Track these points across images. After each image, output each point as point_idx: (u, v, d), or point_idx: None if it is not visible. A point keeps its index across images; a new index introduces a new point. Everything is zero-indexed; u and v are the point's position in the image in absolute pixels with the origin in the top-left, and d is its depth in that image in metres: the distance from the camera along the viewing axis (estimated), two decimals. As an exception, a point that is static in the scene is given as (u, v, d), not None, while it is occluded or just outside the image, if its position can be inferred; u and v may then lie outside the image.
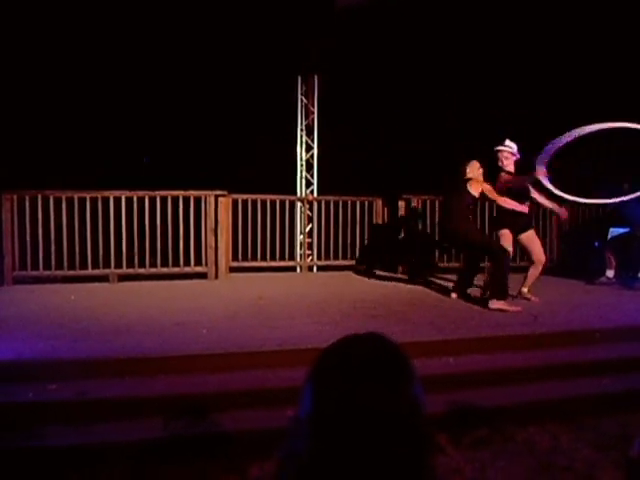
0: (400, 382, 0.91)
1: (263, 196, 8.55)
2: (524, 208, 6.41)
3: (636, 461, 1.26)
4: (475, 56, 11.08)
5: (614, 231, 7.78)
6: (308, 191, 9.90)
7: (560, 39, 10.32)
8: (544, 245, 9.27)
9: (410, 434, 0.89)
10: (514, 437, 3.66)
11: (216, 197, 7.92)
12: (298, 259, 9.10)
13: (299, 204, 9.27)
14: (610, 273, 7.66)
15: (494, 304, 5.94)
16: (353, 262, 8.88)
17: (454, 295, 6.72)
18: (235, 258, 8.44)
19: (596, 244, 8.16)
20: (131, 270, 7.68)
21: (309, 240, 9.20)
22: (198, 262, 7.91)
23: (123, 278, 7.68)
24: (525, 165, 6.45)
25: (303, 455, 0.89)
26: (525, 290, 6.70)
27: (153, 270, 7.78)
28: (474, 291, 6.77)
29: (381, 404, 0.87)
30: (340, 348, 0.94)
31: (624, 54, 9.42)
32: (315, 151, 9.92)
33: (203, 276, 7.91)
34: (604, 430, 3.79)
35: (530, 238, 6.66)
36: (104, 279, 7.61)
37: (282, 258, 8.71)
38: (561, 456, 3.44)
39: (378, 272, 8.80)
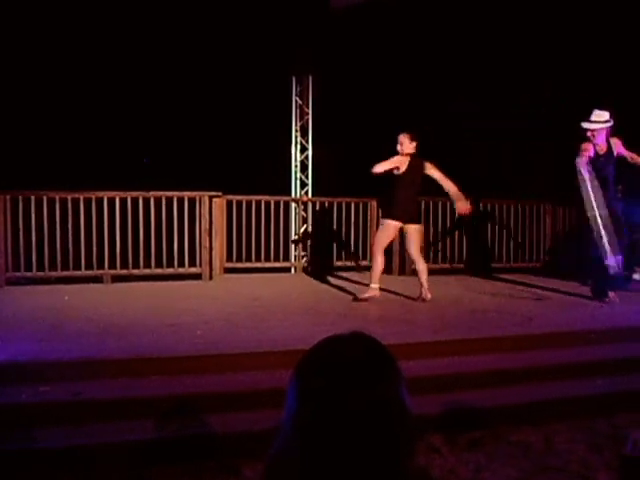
0: (382, 382, 0.90)
1: (257, 197, 8.54)
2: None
3: (630, 458, 1.27)
4: (470, 56, 11.07)
5: None
6: (303, 192, 9.90)
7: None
8: (537, 244, 9.36)
9: (390, 436, 0.88)
10: (509, 438, 3.66)
11: (210, 198, 7.90)
12: (293, 260, 9.09)
13: (294, 205, 9.26)
14: (637, 276, 7.66)
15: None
16: (348, 263, 8.87)
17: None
18: (229, 259, 8.41)
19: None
20: (125, 271, 7.65)
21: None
22: (192, 263, 7.89)
23: (117, 279, 7.65)
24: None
25: (288, 455, 0.89)
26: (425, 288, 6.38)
27: (147, 271, 7.75)
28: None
29: (360, 406, 0.87)
30: (323, 348, 0.94)
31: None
32: (310, 152, 9.91)
33: (197, 277, 7.89)
34: (598, 431, 3.80)
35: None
36: (98, 280, 7.57)
37: (277, 259, 8.69)
38: (555, 457, 3.45)
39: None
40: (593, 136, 6.30)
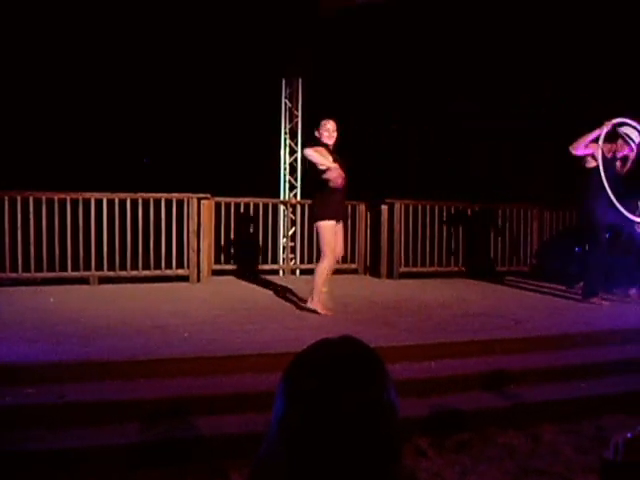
0: (372, 386, 0.90)
1: (246, 199, 8.53)
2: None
3: (611, 463, 1.27)
4: (470, 56, 11.09)
5: None
6: (291, 194, 9.90)
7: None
8: (525, 248, 9.40)
9: (380, 439, 0.89)
10: (495, 441, 3.68)
11: (199, 200, 7.88)
12: (281, 262, 9.08)
13: (282, 207, 9.25)
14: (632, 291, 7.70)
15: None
16: (336, 265, 8.85)
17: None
18: (217, 261, 8.39)
19: (576, 249, 8.23)
20: (112, 272, 7.60)
21: (292, 244, 9.18)
22: (180, 265, 7.85)
23: (103, 280, 7.60)
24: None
25: (274, 459, 0.89)
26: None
27: (134, 273, 7.70)
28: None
29: (352, 408, 0.87)
30: (313, 352, 0.94)
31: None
32: (299, 155, 9.91)
33: (185, 279, 7.85)
34: (583, 433, 3.83)
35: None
36: (84, 281, 7.52)
37: (265, 262, 8.68)
38: (541, 459, 3.47)
39: (362, 275, 8.82)
40: (621, 147, 6.52)
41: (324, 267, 5.69)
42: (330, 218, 5.66)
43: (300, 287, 7.89)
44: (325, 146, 5.69)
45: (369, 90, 11.98)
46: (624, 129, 6.55)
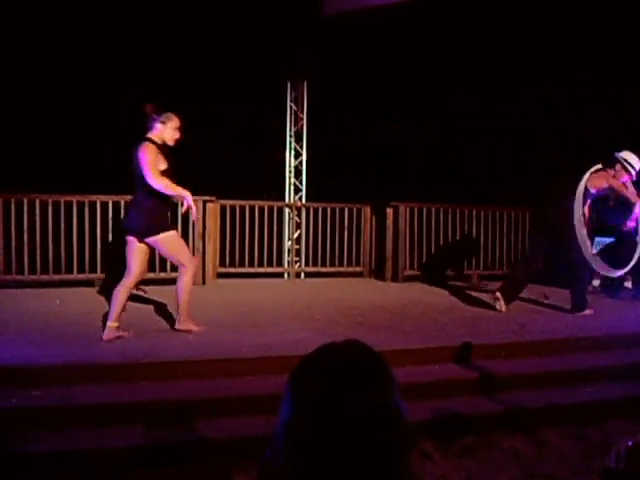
0: (377, 390, 0.91)
1: (251, 202, 8.54)
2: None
3: (612, 471, 1.25)
4: (470, 56, 11.08)
5: (601, 241, 7.80)
6: (296, 197, 9.90)
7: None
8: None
9: (385, 442, 0.89)
10: (500, 445, 3.67)
11: (204, 203, 7.90)
12: (286, 265, 9.08)
13: (287, 210, 9.26)
14: (596, 282, 7.70)
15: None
16: (341, 269, 8.86)
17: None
18: (222, 264, 8.39)
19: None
20: (117, 275, 7.62)
21: (297, 246, 9.18)
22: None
23: (109, 283, 7.62)
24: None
25: (281, 461, 0.89)
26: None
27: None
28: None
29: (357, 411, 0.88)
30: (318, 355, 0.95)
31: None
32: (304, 157, 9.92)
33: (190, 282, 7.85)
34: (589, 438, 3.81)
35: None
36: (90, 284, 7.53)
37: (270, 264, 8.68)
38: (546, 464, 3.46)
39: (367, 279, 8.81)
40: (620, 174, 6.08)
41: (189, 280, 5.05)
42: (170, 228, 5.08)
43: (304, 290, 7.90)
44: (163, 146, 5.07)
45: (369, 90, 11.98)
46: (623, 154, 6.06)
